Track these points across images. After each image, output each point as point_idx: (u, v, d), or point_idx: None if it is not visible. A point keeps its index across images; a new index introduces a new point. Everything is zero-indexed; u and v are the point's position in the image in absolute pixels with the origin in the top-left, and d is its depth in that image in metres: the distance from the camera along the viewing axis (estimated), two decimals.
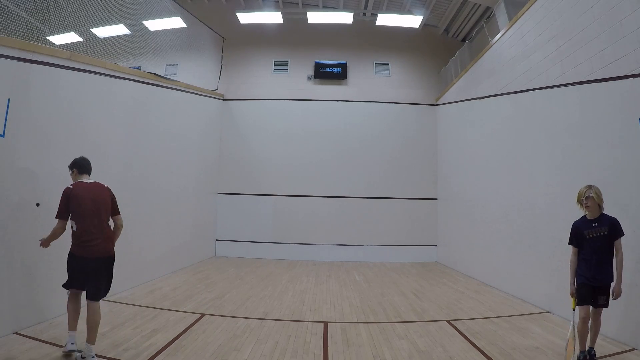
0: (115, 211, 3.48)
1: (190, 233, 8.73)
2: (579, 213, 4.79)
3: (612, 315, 3.98)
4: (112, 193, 3.50)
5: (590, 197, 3.26)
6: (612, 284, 3.22)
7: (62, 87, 4.68)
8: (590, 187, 3.30)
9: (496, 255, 6.91)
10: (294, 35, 11.26)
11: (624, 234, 3.22)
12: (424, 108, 11.14)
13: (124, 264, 5.77)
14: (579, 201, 3.38)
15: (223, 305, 5.33)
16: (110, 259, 3.39)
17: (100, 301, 3.31)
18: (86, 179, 3.46)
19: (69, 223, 3.29)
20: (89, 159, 3.56)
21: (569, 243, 3.45)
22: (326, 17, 10.36)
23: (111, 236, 3.42)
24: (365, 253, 10.34)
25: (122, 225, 3.51)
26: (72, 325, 3.29)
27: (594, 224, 3.28)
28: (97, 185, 3.43)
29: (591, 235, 3.27)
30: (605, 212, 3.29)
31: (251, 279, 7.36)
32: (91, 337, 3.14)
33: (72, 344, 3.24)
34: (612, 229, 3.21)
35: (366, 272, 8.56)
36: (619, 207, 4.03)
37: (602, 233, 3.22)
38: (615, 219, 3.26)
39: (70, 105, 4.79)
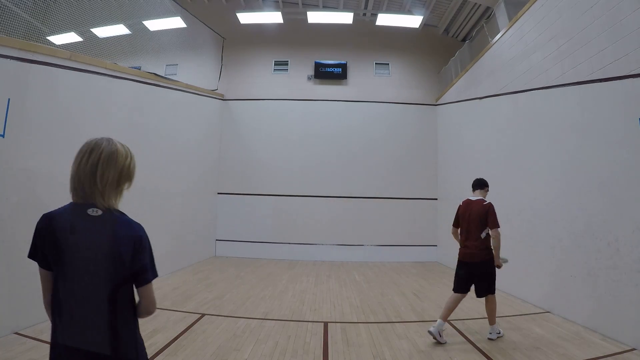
0: (490, 224, 3.92)
1: (190, 233, 8.72)
2: (579, 212, 4.77)
3: (611, 314, 3.99)
4: (489, 209, 3.96)
5: None
6: None
7: (62, 87, 4.69)
8: None
9: None
10: (294, 35, 11.26)
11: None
12: (424, 108, 11.14)
13: None
14: None
15: (223, 305, 5.33)
16: (483, 263, 3.96)
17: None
18: (472, 196, 4.22)
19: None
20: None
21: None
22: (326, 17, 10.37)
23: (480, 245, 3.97)
24: (365, 253, 10.33)
25: (495, 237, 3.92)
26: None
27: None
28: (475, 201, 4.11)
29: None
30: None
31: (251, 279, 7.36)
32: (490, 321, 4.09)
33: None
34: None
35: (366, 272, 8.55)
36: (618, 207, 4.04)
37: None
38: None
39: (70, 105, 4.79)
